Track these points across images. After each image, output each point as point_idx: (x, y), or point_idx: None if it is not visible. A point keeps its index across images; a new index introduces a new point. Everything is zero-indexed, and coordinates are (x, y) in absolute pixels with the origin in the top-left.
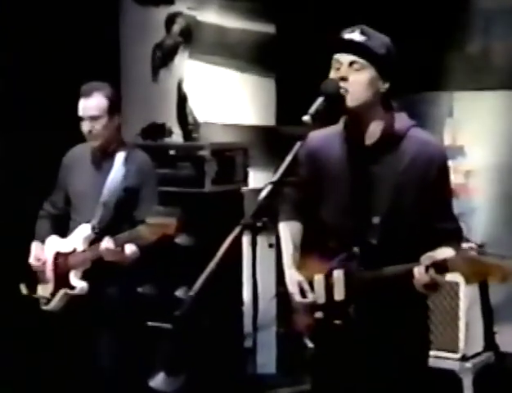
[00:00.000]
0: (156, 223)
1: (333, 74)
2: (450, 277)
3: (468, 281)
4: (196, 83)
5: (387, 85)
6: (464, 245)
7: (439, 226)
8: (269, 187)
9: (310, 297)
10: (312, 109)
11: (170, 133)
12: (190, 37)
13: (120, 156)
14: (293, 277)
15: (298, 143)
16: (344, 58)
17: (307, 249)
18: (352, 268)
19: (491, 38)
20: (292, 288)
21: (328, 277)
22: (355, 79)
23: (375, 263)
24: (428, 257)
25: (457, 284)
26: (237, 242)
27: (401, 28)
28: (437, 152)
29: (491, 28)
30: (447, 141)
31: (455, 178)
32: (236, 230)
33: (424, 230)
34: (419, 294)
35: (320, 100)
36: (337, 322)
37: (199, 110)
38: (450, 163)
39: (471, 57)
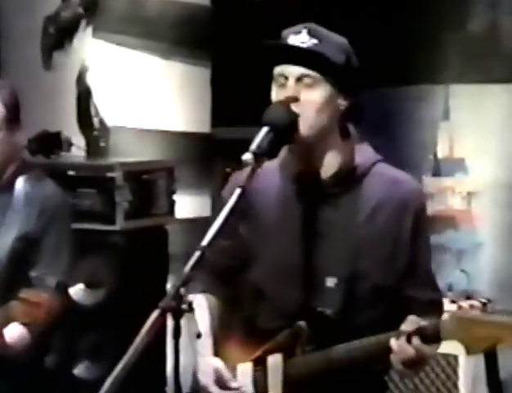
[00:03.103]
0: (28, 299)
1: (277, 93)
2: (445, 348)
3: (470, 350)
4: (104, 73)
5: (347, 103)
6: (464, 303)
7: (412, 294)
8: (198, 254)
9: (234, 386)
10: (254, 145)
11: (68, 145)
12: (95, 8)
13: (19, 188)
14: (208, 363)
15: (238, 190)
16: (291, 71)
17: (229, 329)
18: (297, 350)
19: (501, 11)
20: (205, 379)
21: (258, 366)
22: (308, 99)
23: (328, 340)
24: (411, 322)
25: (455, 358)
26: (158, 330)
27: None
28: (413, 194)
29: None
30: (443, 152)
31: (453, 203)
32: (154, 315)
33: (394, 298)
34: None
35: (264, 131)
36: None
37: (109, 109)
38: (448, 180)
39: (473, 38)
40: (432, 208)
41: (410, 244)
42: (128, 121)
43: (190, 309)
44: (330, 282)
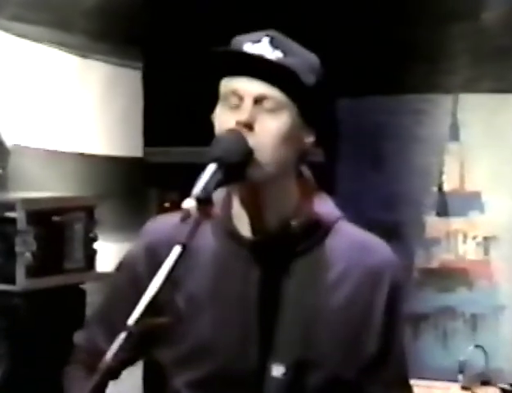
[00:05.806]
0: None
1: (225, 117)
2: None
3: None
4: (0, 73)
5: (311, 138)
6: (481, 390)
7: None
8: (123, 337)
9: None
10: (198, 188)
11: None
12: None
13: None
14: None
15: (178, 248)
16: (248, 89)
17: None
18: None
19: None
20: None
21: None
22: (266, 128)
23: None
24: None
25: None
26: None
27: None
28: (388, 265)
29: None
30: (451, 183)
31: (466, 251)
32: None
33: None
34: None
35: (211, 169)
36: None
37: (7, 124)
38: (459, 221)
39: (488, 34)
40: (437, 258)
41: (382, 327)
42: (33, 140)
43: None
44: (277, 370)
